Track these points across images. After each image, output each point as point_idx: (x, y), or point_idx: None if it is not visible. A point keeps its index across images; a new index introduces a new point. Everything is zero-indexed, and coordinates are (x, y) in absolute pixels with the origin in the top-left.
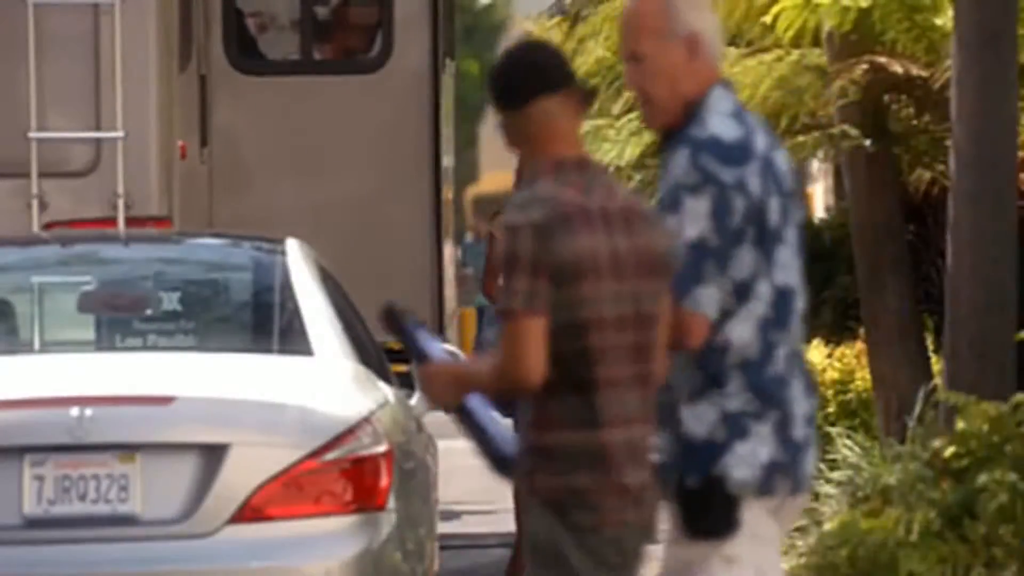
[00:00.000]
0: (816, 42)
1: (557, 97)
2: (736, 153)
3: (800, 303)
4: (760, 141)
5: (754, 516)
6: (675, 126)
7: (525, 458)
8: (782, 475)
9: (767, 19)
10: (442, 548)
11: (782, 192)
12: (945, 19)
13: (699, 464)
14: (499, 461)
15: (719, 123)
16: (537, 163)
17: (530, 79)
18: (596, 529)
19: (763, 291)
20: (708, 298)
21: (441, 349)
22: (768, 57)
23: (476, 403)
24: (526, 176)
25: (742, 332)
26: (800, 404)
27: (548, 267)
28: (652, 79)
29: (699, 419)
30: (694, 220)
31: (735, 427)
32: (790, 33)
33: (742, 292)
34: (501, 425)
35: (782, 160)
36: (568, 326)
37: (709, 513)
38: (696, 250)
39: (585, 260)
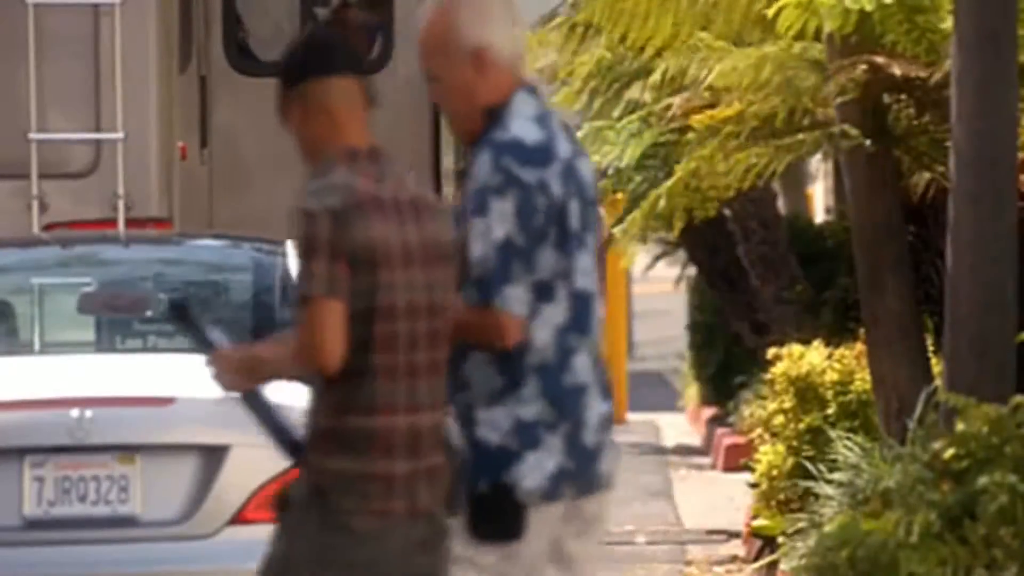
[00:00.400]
0: (818, 38)
1: (346, 80)
2: (537, 155)
3: (599, 308)
4: (563, 146)
5: (528, 528)
6: (480, 133)
7: (308, 441)
8: (569, 482)
9: (768, 12)
10: None
11: (584, 198)
12: (947, 20)
13: (490, 470)
14: (290, 445)
15: (521, 126)
16: (325, 150)
17: (326, 55)
18: (364, 517)
19: (562, 295)
20: (518, 298)
21: (226, 342)
22: (770, 49)
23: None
24: (319, 163)
25: (541, 334)
26: (595, 410)
27: (346, 253)
28: (448, 95)
29: (493, 426)
30: (501, 221)
31: (528, 437)
32: (791, 33)
33: (543, 293)
34: (284, 406)
35: (586, 167)
36: (360, 313)
37: (496, 519)
38: (504, 250)
39: (379, 248)
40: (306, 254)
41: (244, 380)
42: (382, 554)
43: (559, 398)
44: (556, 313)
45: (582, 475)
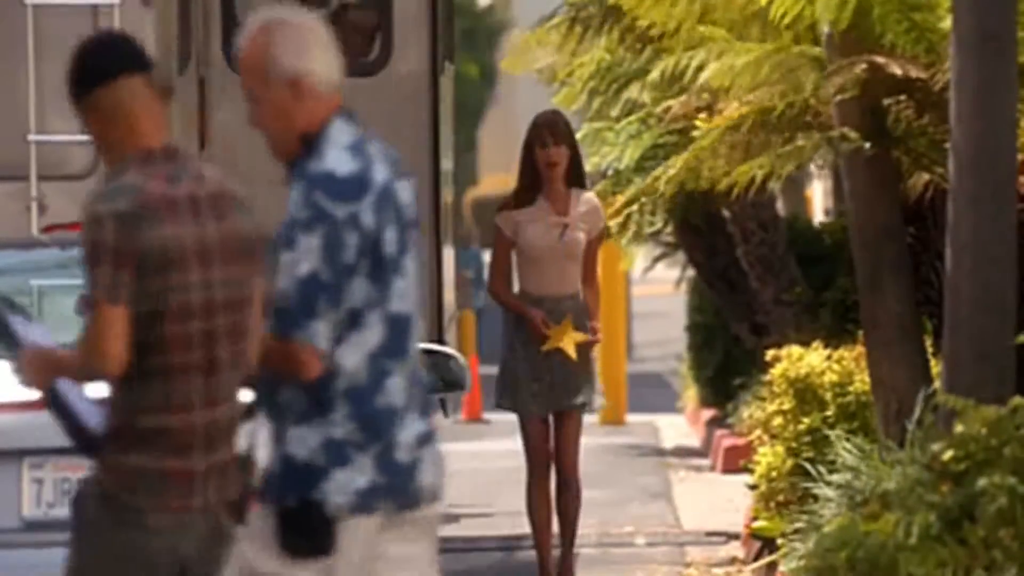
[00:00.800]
0: (816, 42)
1: (134, 80)
2: (349, 188)
3: (418, 329)
4: (379, 173)
5: (341, 543)
6: (298, 157)
7: (106, 440)
8: (383, 498)
9: (763, 0)
10: (441, 551)
11: (401, 222)
12: (945, 19)
13: (298, 486)
14: (86, 441)
15: (335, 157)
16: (124, 152)
17: (113, 57)
18: (159, 513)
19: (375, 320)
20: (320, 332)
21: (41, 332)
22: (769, 46)
23: (66, 384)
24: (112, 166)
25: (352, 359)
26: (411, 429)
27: (132, 257)
28: (264, 118)
29: (302, 442)
30: (307, 256)
31: (336, 455)
32: (787, 20)
33: (353, 321)
34: (90, 404)
35: (404, 191)
36: (152, 314)
37: (305, 534)
38: (308, 285)
39: (171, 250)
40: (91, 259)
41: (43, 379)
42: (180, 548)
43: (369, 421)
44: (368, 338)
45: (398, 491)
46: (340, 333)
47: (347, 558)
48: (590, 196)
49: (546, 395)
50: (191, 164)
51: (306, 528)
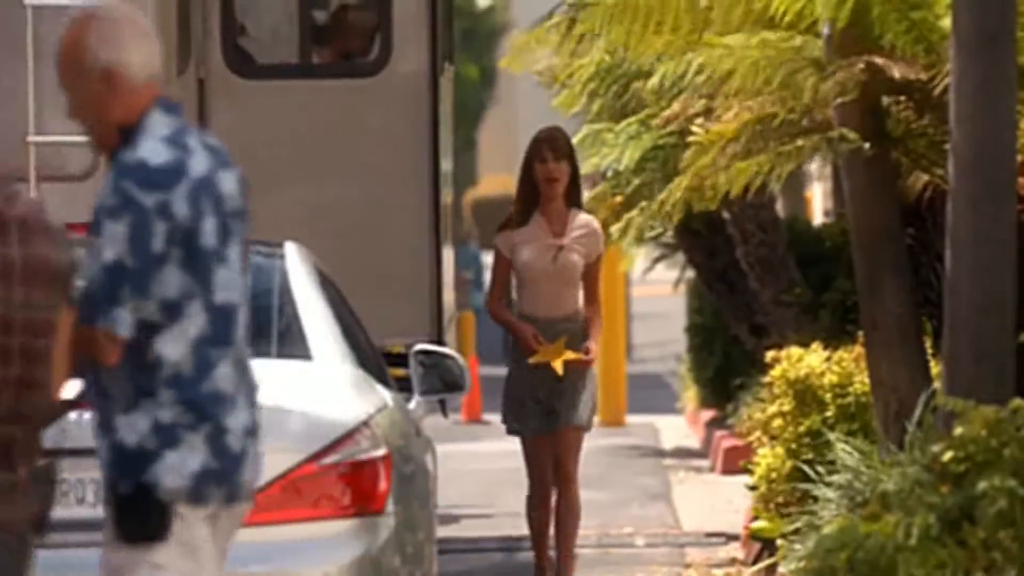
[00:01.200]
0: (817, 35)
1: None
2: (161, 177)
3: (243, 318)
4: (198, 164)
5: (186, 524)
6: (116, 149)
7: None
8: (215, 484)
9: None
10: (441, 552)
11: (222, 213)
12: (944, 19)
13: (131, 471)
14: None
15: (150, 147)
16: None
17: None
18: None
19: (195, 311)
20: (121, 319)
21: None
22: (768, 35)
23: None
24: None
25: (174, 349)
26: (240, 417)
27: None
28: (79, 110)
29: (132, 427)
30: (111, 243)
31: (167, 437)
32: (787, 18)
33: (171, 312)
34: None
35: (228, 181)
36: None
37: (140, 519)
38: (111, 272)
39: None
40: None
41: None
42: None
43: (196, 404)
44: (190, 328)
45: (228, 479)
46: (159, 323)
47: (177, 548)
48: (589, 219)
49: (545, 411)
50: (6, 185)
51: (142, 513)
